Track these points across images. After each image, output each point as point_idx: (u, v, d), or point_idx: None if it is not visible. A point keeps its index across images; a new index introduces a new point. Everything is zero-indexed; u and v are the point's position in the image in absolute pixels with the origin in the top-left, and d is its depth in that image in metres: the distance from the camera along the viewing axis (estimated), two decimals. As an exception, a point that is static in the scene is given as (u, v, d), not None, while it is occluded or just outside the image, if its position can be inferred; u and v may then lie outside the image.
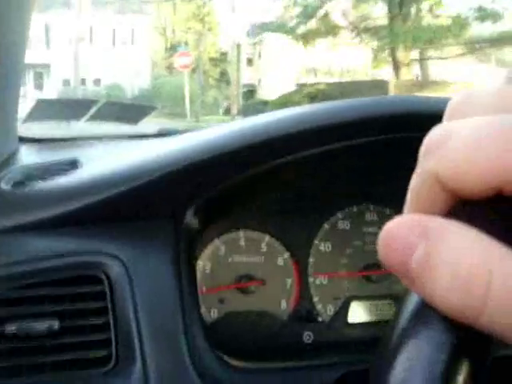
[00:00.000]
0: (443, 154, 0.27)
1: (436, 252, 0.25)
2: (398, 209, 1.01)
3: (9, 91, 0.89)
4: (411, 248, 0.26)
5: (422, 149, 0.28)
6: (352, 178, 0.98)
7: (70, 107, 1.10)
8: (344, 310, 0.96)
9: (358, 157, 0.88)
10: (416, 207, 0.30)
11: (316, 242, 0.97)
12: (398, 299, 0.99)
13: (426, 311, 0.26)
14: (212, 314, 0.90)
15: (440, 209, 0.28)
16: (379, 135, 0.79)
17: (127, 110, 1.13)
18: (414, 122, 0.77)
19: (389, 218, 0.96)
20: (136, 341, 0.72)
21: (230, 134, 0.77)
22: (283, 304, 0.94)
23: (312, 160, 0.81)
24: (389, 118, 0.77)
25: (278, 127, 0.76)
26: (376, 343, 0.77)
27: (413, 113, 0.77)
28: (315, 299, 0.95)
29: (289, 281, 0.95)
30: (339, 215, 0.99)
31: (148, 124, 1.25)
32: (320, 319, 0.94)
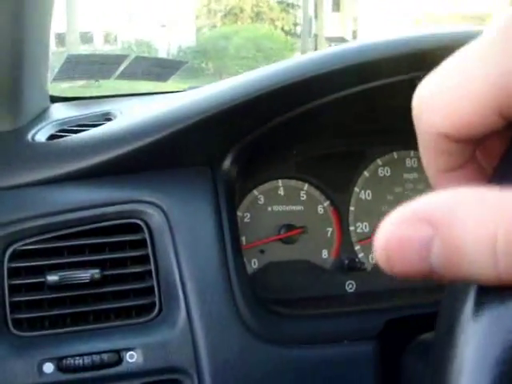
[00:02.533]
0: (434, 103, 0.25)
1: (453, 235, 0.21)
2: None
3: (39, 50, 0.87)
4: (425, 246, 0.22)
5: (414, 112, 0.27)
6: (392, 123, 0.95)
7: (99, 63, 1.09)
8: (387, 258, 0.94)
9: (397, 98, 0.84)
10: (433, 170, 0.29)
11: (356, 189, 0.94)
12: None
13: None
14: (253, 264, 0.89)
15: (456, 162, 0.27)
16: (419, 71, 0.75)
17: (158, 66, 1.11)
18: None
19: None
20: (179, 289, 0.71)
21: (267, 76, 0.75)
22: (324, 253, 0.92)
23: (350, 102, 0.78)
24: (433, 52, 0.73)
25: (317, 65, 0.73)
26: (421, 292, 0.75)
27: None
28: (357, 248, 0.93)
29: (329, 230, 0.93)
30: (379, 162, 0.96)
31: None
32: (362, 268, 0.92)
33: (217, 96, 0.75)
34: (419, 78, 0.76)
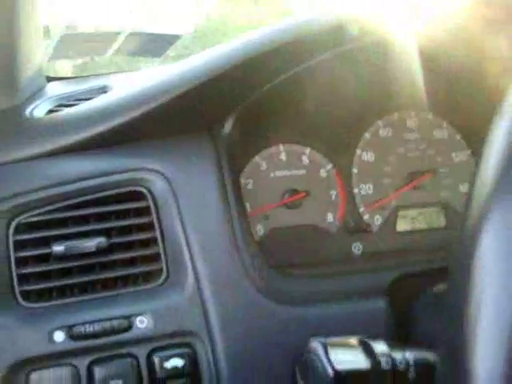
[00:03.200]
0: None
1: None
2: (439, 113, 0.98)
3: (33, 30, 0.87)
4: None
5: None
6: (390, 85, 0.95)
7: (94, 41, 1.08)
8: (392, 219, 0.94)
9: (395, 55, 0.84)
10: None
11: (358, 151, 0.94)
12: (446, 206, 0.96)
13: None
14: (258, 230, 0.89)
15: None
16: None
17: (152, 41, 1.11)
18: None
19: (431, 123, 0.94)
20: (186, 254, 0.71)
21: (260, 39, 0.74)
22: (329, 216, 0.92)
23: (349, 59, 0.78)
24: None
25: (311, 24, 0.72)
26: (427, 251, 0.74)
27: None
28: (361, 209, 0.93)
29: (333, 192, 0.92)
30: (380, 123, 0.96)
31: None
32: (368, 229, 0.92)
33: (213, 61, 0.74)
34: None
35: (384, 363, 0.50)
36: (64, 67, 1.09)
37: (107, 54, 1.11)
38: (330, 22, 0.72)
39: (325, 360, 0.50)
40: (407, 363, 0.51)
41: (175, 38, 1.15)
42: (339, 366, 0.49)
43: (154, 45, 1.11)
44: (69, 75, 1.08)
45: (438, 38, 0.75)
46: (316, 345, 0.52)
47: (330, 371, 0.48)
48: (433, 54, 0.80)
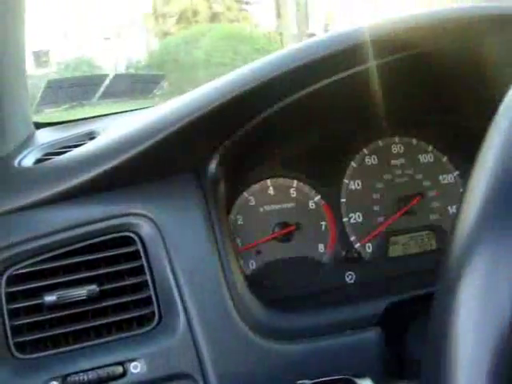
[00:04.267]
0: None
1: None
2: (423, 138, 0.99)
3: (18, 78, 0.88)
4: None
5: None
6: (373, 112, 0.96)
7: (81, 85, 1.09)
8: (383, 245, 0.94)
9: (379, 84, 0.85)
10: None
11: (345, 181, 0.95)
12: (436, 229, 0.96)
13: None
14: (251, 265, 0.89)
15: None
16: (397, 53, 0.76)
17: (138, 82, 1.12)
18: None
19: (416, 148, 0.95)
20: (177, 296, 0.71)
21: (246, 74, 0.75)
22: (321, 247, 0.92)
23: (332, 91, 0.79)
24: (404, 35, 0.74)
25: (287, 61, 0.73)
26: (420, 275, 0.75)
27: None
28: (352, 238, 0.93)
29: (323, 223, 0.93)
30: (365, 151, 0.97)
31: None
32: (360, 258, 0.93)
33: (195, 101, 0.75)
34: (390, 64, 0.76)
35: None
36: (52, 113, 1.10)
37: (94, 98, 1.13)
38: (305, 59, 0.73)
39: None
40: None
41: (160, 76, 1.17)
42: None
43: (140, 85, 1.13)
44: (57, 120, 1.09)
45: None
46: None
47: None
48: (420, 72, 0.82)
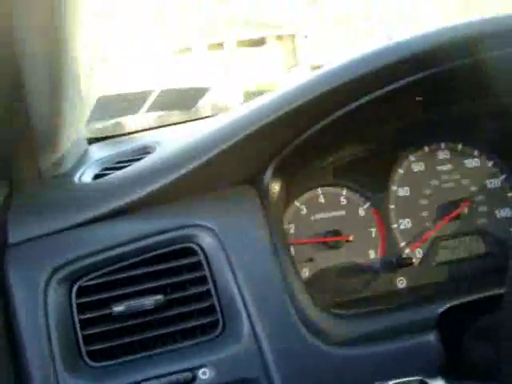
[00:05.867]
0: None
1: None
2: (469, 143, 1.01)
3: (75, 96, 0.91)
4: None
5: None
6: (418, 119, 0.98)
7: (128, 100, 1.13)
8: (432, 250, 0.96)
9: (420, 96, 0.87)
10: None
11: (393, 188, 0.96)
12: (484, 233, 0.98)
13: None
14: (303, 273, 0.91)
15: None
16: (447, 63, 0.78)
17: (183, 95, 1.15)
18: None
19: (462, 153, 0.96)
20: (240, 304, 0.73)
21: (300, 87, 0.77)
22: (371, 254, 0.94)
23: (379, 102, 0.81)
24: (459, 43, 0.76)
25: (347, 72, 0.76)
26: (471, 279, 0.76)
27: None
28: (402, 244, 0.95)
29: (373, 230, 0.95)
30: (412, 158, 0.98)
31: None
32: (410, 263, 0.94)
33: (251, 114, 0.78)
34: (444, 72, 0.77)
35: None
36: (101, 128, 1.13)
37: (141, 112, 1.16)
38: (367, 68, 0.75)
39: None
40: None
41: (205, 90, 1.20)
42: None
43: (185, 99, 1.16)
44: (106, 135, 1.12)
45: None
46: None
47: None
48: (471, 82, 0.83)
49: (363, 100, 0.77)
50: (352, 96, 0.77)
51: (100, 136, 1.11)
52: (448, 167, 0.99)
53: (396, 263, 0.94)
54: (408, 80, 0.78)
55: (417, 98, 0.85)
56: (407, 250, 0.95)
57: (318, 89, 0.75)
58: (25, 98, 0.73)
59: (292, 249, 0.90)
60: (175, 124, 1.16)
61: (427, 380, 0.54)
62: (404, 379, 0.56)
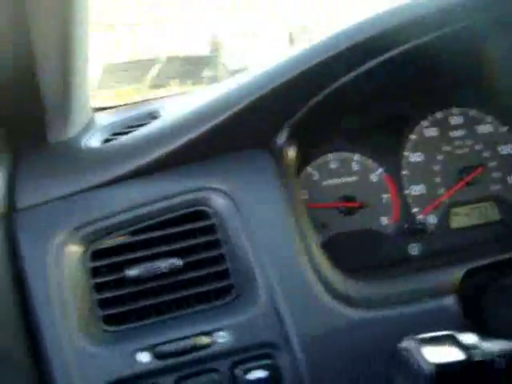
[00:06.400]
0: None
1: None
2: (483, 108, 0.99)
3: (83, 62, 0.89)
4: None
5: None
6: (430, 84, 0.96)
7: (132, 69, 1.11)
8: (446, 216, 0.94)
9: (434, 57, 0.85)
10: None
11: (406, 153, 0.95)
12: (498, 199, 0.96)
13: None
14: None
15: None
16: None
17: (188, 64, 1.13)
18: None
19: (475, 118, 0.95)
20: (257, 268, 0.72)
21: (311, 49, 0.76)
22: (384, 220, 0.93)
23: (396, 63, 0.79)
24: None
25: (363, 30, 0.74)
26: (485, 244, 0.75)
27: None
28: (414, 210, 0.94)
29: (385, 196, 0.93)
30: (424, 123, 0.97)
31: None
32: (423, 229, 0.93)
33: (265, 76, 0.76)
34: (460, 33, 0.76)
35: (477, 355, 0.51)
36: (106, 96, 1.11)
37: (146, 81, 1.14)
38: (383, 26, 0.74)
39: (423, 356, 0.50)
40: (498, 354, 0.52)
41: (211, 58, 1.18)
42: (437, 361, 0.50)
43: (191, 67, 1.14)
44: (112, 105, 1.10)
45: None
46: (410, 343, 0.53)
47: (430, 367, 0.49)
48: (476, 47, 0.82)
49: (373, 63, 0.76)
50: (363, 58, 0.76)
51: (105, 106, 1.09)
52: (461, 133, 0.98)
53: (408, 229, 0.92)
54: (416, 43, 0.76)
55: None
56: (420, 217, 0.94)
57: (331, 50, 0.74)
58: (34, 65, 0.71)
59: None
60: (181, 93, 1.14)
61: (458, 334, 0.53)
62: (434, 333, 0.55)
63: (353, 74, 0.77)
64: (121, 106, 1.10)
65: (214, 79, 1.14)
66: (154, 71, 1.12)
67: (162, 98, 1.12)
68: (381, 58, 0.77)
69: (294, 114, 0.79)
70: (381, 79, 0.83)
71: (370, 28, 0.76)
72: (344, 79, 0.77)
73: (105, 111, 1.07)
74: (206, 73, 1.15)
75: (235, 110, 0.75)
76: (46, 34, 0.71)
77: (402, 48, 0.76)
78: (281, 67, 0.77)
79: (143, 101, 1.12)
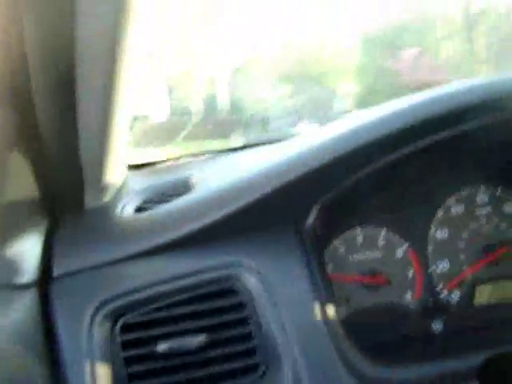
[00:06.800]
0: None
1: None
2: (509, 187, 1.00)
3: (119, 122, 0.91)
4: None
5: None
6: (459, 161, 0.98)
7: (165, 129, 1.14)
8: (469, 294, 0.95)
9: (463, 141, 0.87)
10: None
11: (432, 229, 0.96)
12: (523, 278, 0.97)
13: None
14: (341, 313, 0.91)
15: None
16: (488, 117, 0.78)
17: (220, 124, 1.16)
18: None
19: (500, 197, 0.96)
20: (283, 347, 0.73)
21: (345, 134, 0.78)
22: (408, 296, 0.94)
23: (421, 150, 0.81)
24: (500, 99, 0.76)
25: (392, 122, 0.76)
26: (507, 324, 0.75)
27: None
28: (439, 287, 0.95)
29: (410, 272, 0.95)
30: (451, 200, 0.98)
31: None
32: (447, 306, 0.94)
33: (299, 157, 0.78)
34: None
35: None
36: (140, 155, 1.14)
37: (178, 140, 1.17)
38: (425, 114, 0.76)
39: None
40: None
41: (239, 122, 1.21)
42: None
43: (223, 128, 1.17)
44: (146, 162, 1.13)
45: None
46: None
47: None
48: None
49: (405, 151, 0.78)
50: (396, 145, 0.78)
51: (138, 164, 1.12)
52: (487, 211, 0.99)
53: (432, 306, 0.93)
54: (448, 133, 0.78)
55: None
56: (444, 293, 0.95)
57: (364, 137, 0.76)
58: (77, 135, 0.73)
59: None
60: (211, 153, 1.17)
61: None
62: None
63: (385, 160, 0.79)
64: (155, 163, 1.13)
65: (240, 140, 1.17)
66: (186, 131, 1.15)
67: (193, 157, 1.15)
68: (416, 146, 0.79)
69: (324, 194, 0.81)
70: (411, 165, 0.85)
71: (409, 115, 0.78)
72: (375, 165, 0.79)
73: (140, 170, 1.10)
74: (234, 134, 1.18)
75: (267, 190, 0.77)
76: (90, 104, 0.74)
77: (437, 136, 0.78)
78: (316, 149, 0.79)
79: (176, 158, 1.15)
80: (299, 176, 0.76)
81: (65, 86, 0.67)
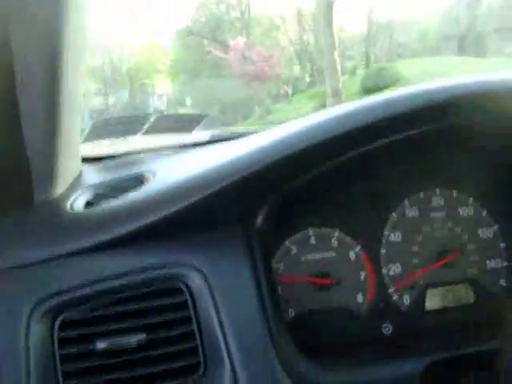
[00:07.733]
0: None
1: None
2: (464, 191, 1.00)
3: (71, 115, 0.90)
4: None
5: None
6: (415, 164, 0.97)
7: (125, 123, 1.12)
8: (421, 297, 0.95)
9: (420, 144, 0.86)
10: None
11: (386, 232, 0.96)
12: (474, 282, 0.97)
13: None
14: (290, 313, 0.90)
15: None
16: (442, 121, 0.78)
17: (180, 121, 1.14)
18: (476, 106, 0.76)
19: (456, 201, 0.96)
20: (223, 346, 0.72)
21: (296, 134, 0.77)
22: (359, 298, 0.93)
23: (376, 152, 0.80)
24: (454, 103, 0.76)
25: (345, 122, 0.75)
26: (458, 330, 0.75)
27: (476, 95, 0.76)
28: (390, 290, 0.94)
29: (362, 274, 0.94)
30: (406, 203, 0.98)
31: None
32: (397, 309, 0.93)
33: (249, 156, 0.77)
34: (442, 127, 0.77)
35: None
36: (97, 148, 1.13)
37: (137, 134, 1.15)
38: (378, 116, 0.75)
39: None
40: None
41: (201, 117, 1.19)
42: None
43: (181, 124, 1.15)
44: (102, 155, 1.11)
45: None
46: None
47: None
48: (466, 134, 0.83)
49: (358, 152, 0.77)
50: (349, 146, 0.77)
51: (95, 156, 1.10)
52: (441, 214, 0.99)
53: (382, 309, 0.93)
54: (406, 134, 0.78)
55: None
56: (395, 296, 0.94)
57: (315, 138, 0.75)
58: (20, 123, 0.72)
59: (279, 288, 0.89)
60: (171, 148, 1.15)
61: None
62: None
63: (336, 161, 0.78)
64: (110, 157, 1.11)
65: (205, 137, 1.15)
66: (145, 126, 1.13)
67: (151, 151, 1.13)
68: (369, 147, 0.78)
69: (273, 194, 0.80)
70: (364, 165, 0.85)
71: (362, 116, 0.77)
72: (326, 165, 0.78)
73: (94, 164, 1.08)
74: (195, 130, 1.17)
75: (215, 188, 0.76)
76: (31, 86, 0.72)
77: (392, 138, 0.77)
78: (266, 148, 0.77)
79: (133, 153, 1.13)
80: (246, 176, 0.75)
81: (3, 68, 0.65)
